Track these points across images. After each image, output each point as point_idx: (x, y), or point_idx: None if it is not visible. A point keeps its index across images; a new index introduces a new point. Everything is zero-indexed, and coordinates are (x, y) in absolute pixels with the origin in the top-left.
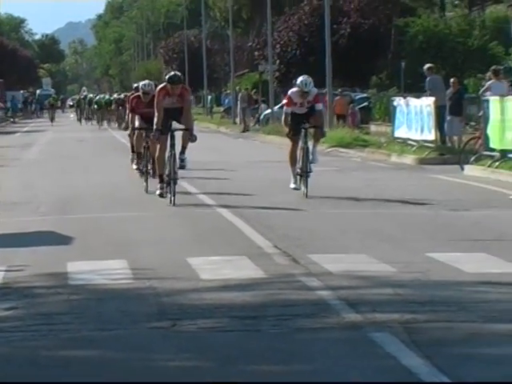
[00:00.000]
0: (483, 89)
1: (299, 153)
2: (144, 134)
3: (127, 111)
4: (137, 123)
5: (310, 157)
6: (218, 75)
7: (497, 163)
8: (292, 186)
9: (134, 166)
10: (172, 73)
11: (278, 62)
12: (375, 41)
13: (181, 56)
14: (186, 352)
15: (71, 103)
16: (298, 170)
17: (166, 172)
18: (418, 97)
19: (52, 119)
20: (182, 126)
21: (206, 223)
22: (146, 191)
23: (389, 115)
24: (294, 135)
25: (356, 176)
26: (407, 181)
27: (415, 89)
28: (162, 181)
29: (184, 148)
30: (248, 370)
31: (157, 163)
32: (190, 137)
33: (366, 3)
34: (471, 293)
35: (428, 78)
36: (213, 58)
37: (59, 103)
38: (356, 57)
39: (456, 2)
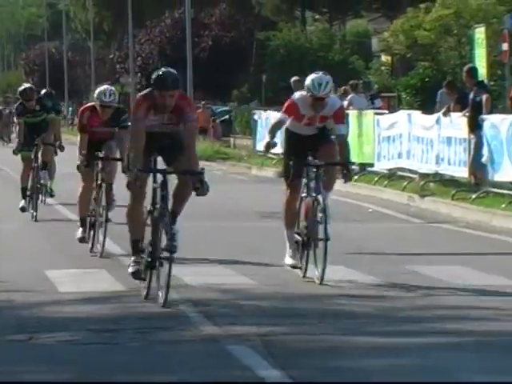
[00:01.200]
0: (346, 103)
1: (302, 206)
2: (99, 167)
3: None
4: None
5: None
6: (79, 87)
7: (356, 177)
8: (288, 261)
9: (79, 235)
10: (161, 70)
11: (139, 74)
12: (237, 54)
13: (42, 68)
14: (44, 365)
15: None
16: (299, 238)
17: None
18: (279, 110)
19: None
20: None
21: (66, 235)
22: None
23: (250, 128)
24: (295, 176)
25: (217, 189)
26: (267, 193)
27: (276, 102)
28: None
29: (179, 208)
30: (106, 381)
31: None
32: (197, 186)
33: (227, 16)
34: (331, 305)
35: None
36: (74, 70)
37: None
38: (217, 70)
39: (317, 17)
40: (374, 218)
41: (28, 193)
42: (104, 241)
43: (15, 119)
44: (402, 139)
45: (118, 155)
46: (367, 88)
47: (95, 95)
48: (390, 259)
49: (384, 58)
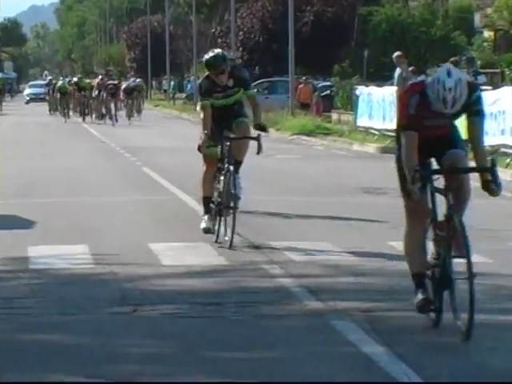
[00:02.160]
0: None
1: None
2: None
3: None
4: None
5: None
6: (180, 61)
7: None
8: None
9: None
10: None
11: (240, 49)
12: (338, 29)
13: (143, 41)
14: (148, 338)
15: (29, 93)
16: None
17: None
18: (381, 86)
19: None
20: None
21: (169, 210)
22: None
23: (351, 104)
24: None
25: (319, 164)
26: (369, 169)
27: (378, 78)
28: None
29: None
30: (209, 356)
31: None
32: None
33: None
34: None
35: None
36: (176, 44)
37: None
38: (319, 45)
39: None
40: (476, 194)
41: (213, 206)
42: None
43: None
44: (506, 116)
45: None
46: (470, 64)
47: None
48: (495, 236)
49: (487, 33)
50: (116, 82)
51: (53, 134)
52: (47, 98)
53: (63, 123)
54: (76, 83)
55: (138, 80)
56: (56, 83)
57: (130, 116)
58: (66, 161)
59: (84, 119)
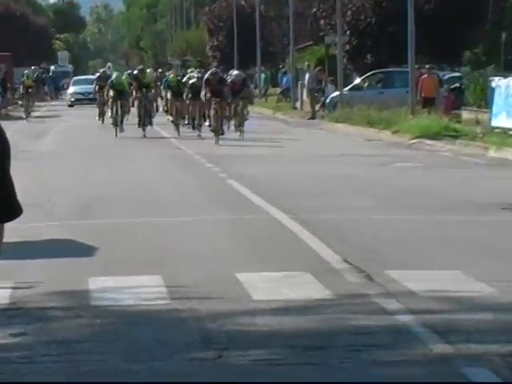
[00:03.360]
0: None
1: None
2: None
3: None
4: None
5: None
6: (274, 49)
7: None
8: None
9: None
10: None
11: (348, 32)
12: (469, 7)
13: (228, 24)
14: None
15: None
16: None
17: None
18: None
19: (27, 112)
20: None
21: (260, 231)
22: None
23: (486, 99)
24: None
25: (446, 174)
26: (508, 181)
27: None
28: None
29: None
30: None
31: None
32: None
33: None
34: None
35: None
36: (268, 28)
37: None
38: (445, 26)
39: None
40: None
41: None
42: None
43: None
44: None
45: None
46: None
47: None
48: None
49: None
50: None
51: (111, 139)
52: (98, 97)
53: (114, 138)
54: (135, 77)
55: (235, 73)
56: (109, 76)
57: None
58: (132, 172)
59: (144, 130)
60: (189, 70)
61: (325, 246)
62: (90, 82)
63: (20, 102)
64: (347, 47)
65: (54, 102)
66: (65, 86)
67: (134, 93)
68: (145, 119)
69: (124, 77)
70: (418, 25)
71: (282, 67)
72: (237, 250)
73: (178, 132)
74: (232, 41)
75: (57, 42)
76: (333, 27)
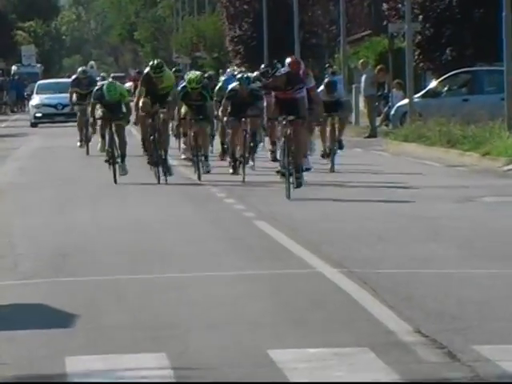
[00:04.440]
0: None
1: None
2: None
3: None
4: None
5: None
6: (318, 40)
7: None
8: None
9: None
10: None
11: (421, 18)
12: None
13: (255, 8)
14: None
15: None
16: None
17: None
18: None
19: None
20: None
21: (300, 290)
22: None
23: None
24: None
25: None
26: None
27: None
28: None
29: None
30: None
31: None
32: None
33: None
34: None
35: None
36: (309, 13)
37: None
38: None
39: None
40: None
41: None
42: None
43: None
44: None
45: None
46: None
47: None
48: None
49: None
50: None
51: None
52: (77, 111)
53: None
54: (147, 80)
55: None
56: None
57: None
58: (128, 210)
59: (158, 175)
60: (220, 71)
61: (389, 311)
62: (63, 87)
63: None
64: (419, 38)
65: (16, 116)
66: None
67: (138, 108)
68: (158, 156)
69: (116, 86)
70: None
71: (329, 66)
72: (268, 318)
73: (200, 175)
74: (260, 30)
75: (20, 32)
76: (399, 12)
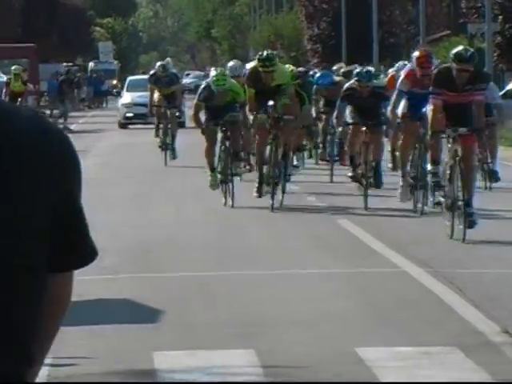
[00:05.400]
0: None
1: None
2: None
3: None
4: None
5: None
6: (396, 40)
7: None
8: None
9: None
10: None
11: (500, 18)
12: None
13: (334, 7)
14: None
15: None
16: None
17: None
18: None
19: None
20: None
21: (388, 290)
22: None
23: None
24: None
25: None
26: None
27: None
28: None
29: None
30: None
31: None
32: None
33: None
34: None
35: None
36: (388, 13)
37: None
38: None
39: None
40: None
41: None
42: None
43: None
44: None
45: None
46: None
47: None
48: None
49: None
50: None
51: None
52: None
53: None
54: (254, 76)
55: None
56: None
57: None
58: (203, 207)
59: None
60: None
61: (476, 311)
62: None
63: (47, 112)
64: (498, 39)
65: (93, 113)
66: (111, 90)
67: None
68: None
69: (226, 78)
70: None
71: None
72: (355, 315)
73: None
74: (339, 29)
75: (97, 29)
76: (478, 11)
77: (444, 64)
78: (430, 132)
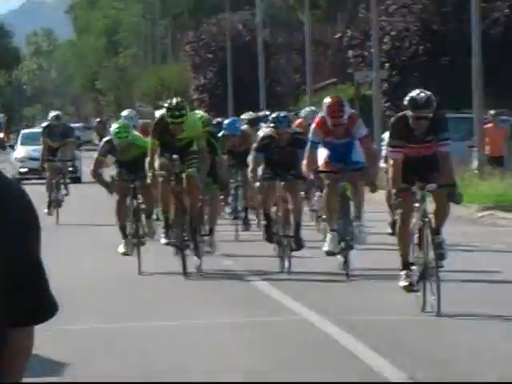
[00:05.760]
0: None
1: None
2: None
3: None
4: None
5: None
6: (282, 88)
7: None
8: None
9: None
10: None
11: (387, 66)
12: None
13: (219, 56)
14: None
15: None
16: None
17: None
18: None
19: None
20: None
21: (290, 339)
22: None
23: None
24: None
25: None
26: None
27: None
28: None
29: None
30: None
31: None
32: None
33: None
34: None
35: None
36: (273, 61)
37: None
38: None
39: None
40: None
41: None
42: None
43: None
44: None
45: None
46: None
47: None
48: None
49: None
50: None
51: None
52: (47, 169)
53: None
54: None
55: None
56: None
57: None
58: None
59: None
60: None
61: (381, 358)
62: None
63: None
64: (385, 86)
65: None
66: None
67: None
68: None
69: (129, 130)
70: (484, 55)
71: (295, 114)
72: (265, 367)
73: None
74: (224, 77)
75: None
76: (365, 59)
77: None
78: (393, 191)
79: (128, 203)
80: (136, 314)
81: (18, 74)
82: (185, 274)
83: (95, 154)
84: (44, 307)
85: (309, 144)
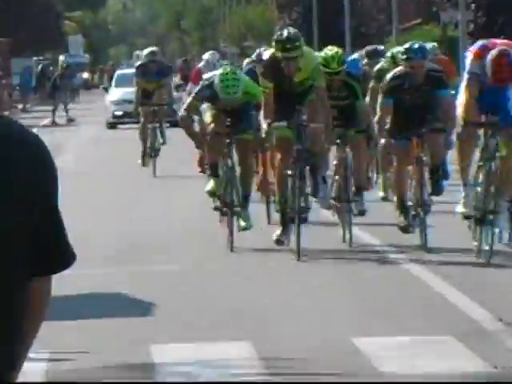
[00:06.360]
0: None
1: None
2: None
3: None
4: None
5: None
6: (367, 29)
7: None
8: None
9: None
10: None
11: (473, 6)
12: None
13: None
14: None
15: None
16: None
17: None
18: None
19: (54, 112)
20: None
21: (385, 285)
22: None
23: None
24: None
25: None
26: None
27: None
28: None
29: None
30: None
31: None
32: None
33: None
34: None
35: None
36: (359, 1)
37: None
38: None
39: None
40: None
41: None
42: None
43: None
44: None
45: None
46: None
47: None
48: None
49: None
50: None
51: None
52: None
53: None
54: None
55: None
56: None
57: None
58: (188, 200)
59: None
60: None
61: (471, 301)
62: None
63: (19, 106)
64: (471, 27)
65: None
66: (86, 83)
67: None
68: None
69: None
70: None
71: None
72: (352, 307)
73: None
74: (309, 18)
75: (67, 22)
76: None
77: None
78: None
79: (221, 165)
80: None
81: (104, 14)
82: None
83: (185, 97)
84: (62, 256)
85: (467, 76)
